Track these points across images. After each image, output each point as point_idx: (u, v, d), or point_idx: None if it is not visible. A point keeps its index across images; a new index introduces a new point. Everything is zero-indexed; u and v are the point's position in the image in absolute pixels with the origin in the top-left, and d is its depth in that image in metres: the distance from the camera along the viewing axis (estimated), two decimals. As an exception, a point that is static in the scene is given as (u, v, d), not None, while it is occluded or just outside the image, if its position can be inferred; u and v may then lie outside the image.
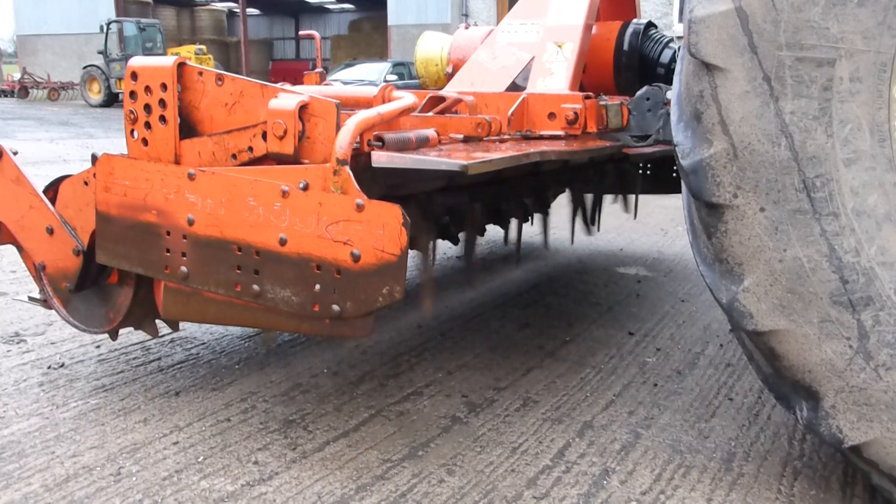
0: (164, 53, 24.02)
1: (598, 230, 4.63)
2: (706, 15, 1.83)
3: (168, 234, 2.22)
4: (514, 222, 3.96)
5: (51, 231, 2.56)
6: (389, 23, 25.10)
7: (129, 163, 2.29)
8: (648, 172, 4.53)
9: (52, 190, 2.59)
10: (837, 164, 1.76)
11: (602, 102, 3.07)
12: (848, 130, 1.76)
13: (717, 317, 3.67)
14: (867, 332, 1.78)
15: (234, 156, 2.18)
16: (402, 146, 2.16)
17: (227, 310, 2.26)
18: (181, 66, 2.23)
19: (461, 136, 2.62)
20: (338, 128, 2.02)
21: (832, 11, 1.72)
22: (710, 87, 1.85)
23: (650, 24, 3.76)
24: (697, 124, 1.88)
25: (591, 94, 3.10)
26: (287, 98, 2.07)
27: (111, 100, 24.24)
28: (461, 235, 3.39)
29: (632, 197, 4.51)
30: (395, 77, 19.19)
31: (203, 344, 3.19)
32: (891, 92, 1.74)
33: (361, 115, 2.03)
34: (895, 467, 1.82)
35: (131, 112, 2.29)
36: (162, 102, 2.23)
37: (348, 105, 2.54)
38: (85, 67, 25.19)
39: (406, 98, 2.34)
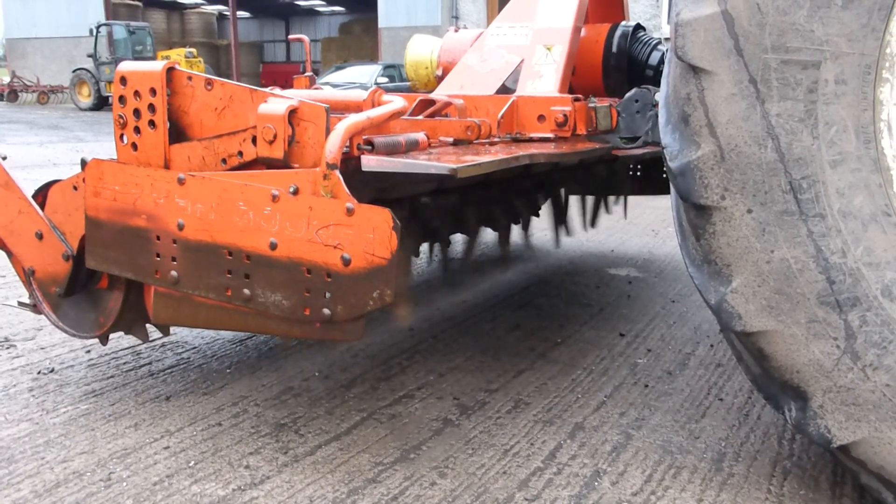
0: (154, 56, 23.95)
1: (593, 225, 4.68)
2: (692, 18, 1.84)
3: (158, 238, 2.22)
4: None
5: (40, 236, 2.55)
6: (380, 25, 25.11)
7: (119, 167, 2.29)
8: (639, 174, 4.55)
9: (42, 194, 2.58)
10: (823, 165, 1.78)
11: (591, 104, 3.08)
12: (833, 132, 1.77)
13: (708, 317, 3.69)
14: (854, 332, 1.80)
15: (223, 160, 2.19)
16: (392, 150, 2.16)
17: (217, 314, 2.25)
18: (170, 70, 2.23)
19: (451, 140, 2.63)
20: (327, 132, 2.02)
21: (817, 14, 1.74)
22: (696, 89, 1.86)
23: (638, 27, 3.78)
24: (685, 127, 1.89)
25: (580, 96, 3.11)
26: (276, 102, 2.08)
27: (101, 103, 24.15)
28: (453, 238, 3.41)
29: (617, 198, 4.55)
30: (385, 79, 19.20)
31: (194, 348, 3.19)
32: (875, 94, 1.75)
33: (351, 120, 2.04)
34: (883, 467, 1.83)
35: (121, 117, 2.29)
36: (151, 107, 2.23)
37: (338, 109, 2.55)
38: (74, 71, 25.10)
39: (396, 102, 2.34)
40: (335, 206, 1.92)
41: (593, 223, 4.65)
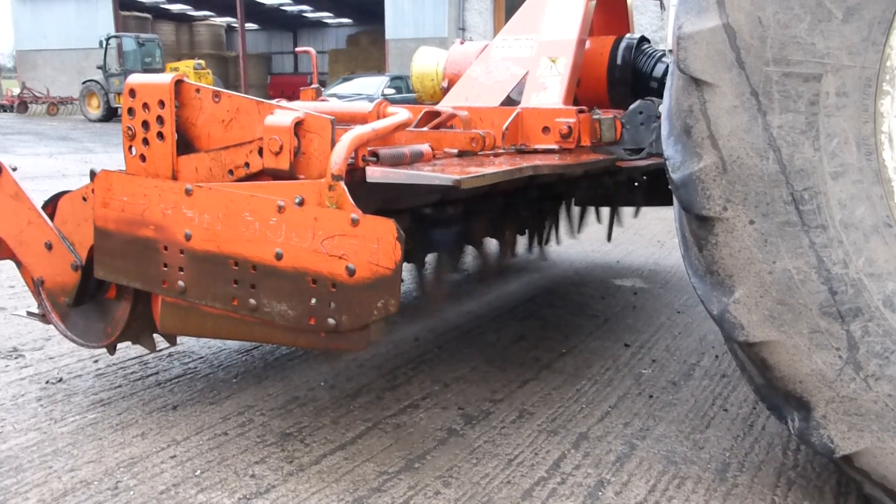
0: (163, 68, 24.13)
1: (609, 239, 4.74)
2: (694, 31, 1.86)
3: (165, 248, 2.25)
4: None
5: (49, 246, 2.58)
6: (387, 37, 25.24)
7: (127, 179, 2.32)
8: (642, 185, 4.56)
9: (51, 205, 2.61)
10: (825, 177, 1.79)
11: (596, 116, 3.10)
12: (835, 144, 1.78)
13: (713, 328, 3.69)
14: (856, 342, 1.80)
15: (230, 171, 2.21)
16: (397, 161, 2.19)
17: (224, 324, 2.27)
18: (179, 83, 2.26)
19: (456, 151, 2.65)
20: (333, 143, 2.04)
21: (818, 28, 1.75)
22: (699, 101, 1.88)
23: (643, 39, 3.80)
24: (687, 138, 1.91)
25: (584, 108, 3.13)
26: (283, 114, 2.10)
27: (110, 114, 24.31)
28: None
29: (623, 209, 4.57)
30: (392, 91, 19.29)
31: (200, 358, 3.20)
32: (876, 106, 1.77)
33: (356, 131, 2.06)
34: (886, 476, 1.83)
35: (129, 128, 2.31)
36: (160, 119, 2.26)
37: (343, 121, 2.57)
38: (84, 82, 25.30)
39: (401, 114, 2.37)
40: (340, 216, 1.94)
41: (609, 231, 4.68)
